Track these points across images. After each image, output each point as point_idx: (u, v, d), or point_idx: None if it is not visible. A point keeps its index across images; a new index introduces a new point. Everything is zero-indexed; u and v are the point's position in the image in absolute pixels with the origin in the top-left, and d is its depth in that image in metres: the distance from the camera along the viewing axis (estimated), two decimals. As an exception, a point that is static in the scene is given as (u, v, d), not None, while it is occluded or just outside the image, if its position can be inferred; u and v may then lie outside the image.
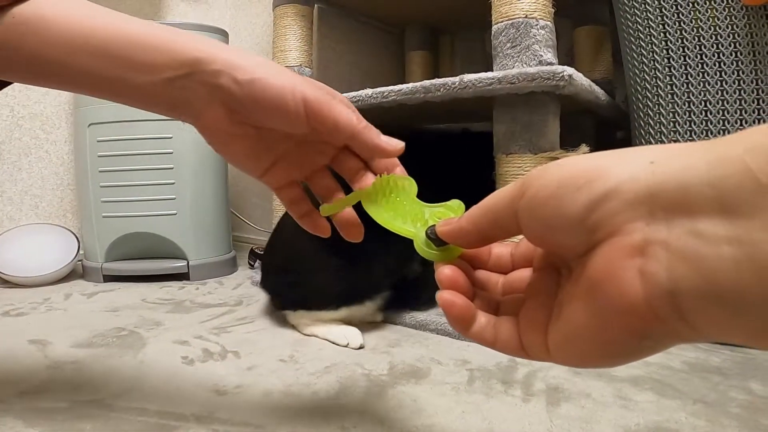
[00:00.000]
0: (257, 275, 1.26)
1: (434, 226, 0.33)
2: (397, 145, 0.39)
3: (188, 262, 1.30)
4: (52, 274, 1.27)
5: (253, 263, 1.42)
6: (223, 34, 1.34)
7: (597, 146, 1.05)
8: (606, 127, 1.15)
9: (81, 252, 1.35)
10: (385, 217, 0.38)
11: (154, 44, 0.38)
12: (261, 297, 1.13)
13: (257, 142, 0.42)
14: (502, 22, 0.83)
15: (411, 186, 0.40)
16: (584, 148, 0.76)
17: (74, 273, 1.36)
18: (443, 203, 0.36)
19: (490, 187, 0.86)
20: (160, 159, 1.24)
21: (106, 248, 1.28)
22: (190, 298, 1.14)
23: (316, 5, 1.27)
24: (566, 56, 1.31)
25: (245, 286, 1.24)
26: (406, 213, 0.38)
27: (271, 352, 0.82)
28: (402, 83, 1.62)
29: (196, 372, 0.74)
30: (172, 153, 1.25)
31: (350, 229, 0.44)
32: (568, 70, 0.71)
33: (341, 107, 0.38)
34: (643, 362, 0.76)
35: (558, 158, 0.78)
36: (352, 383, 0.70)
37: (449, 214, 0.35)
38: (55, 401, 0.65)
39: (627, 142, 1.22)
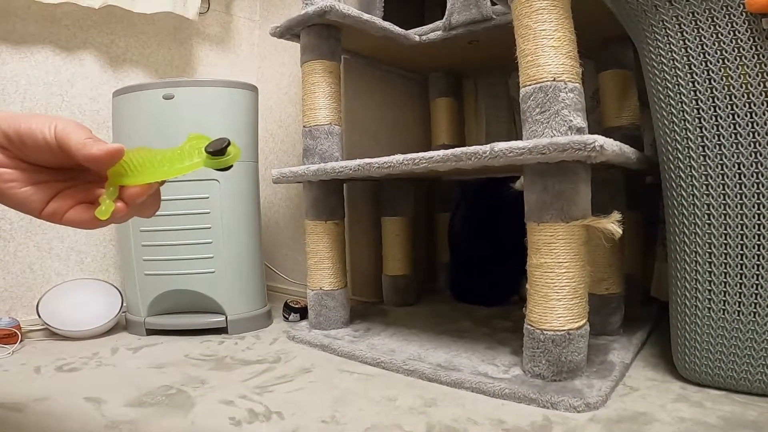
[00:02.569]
0: (292, 329, 1.29)
1: (210, 144, 0.43)
2: (106, 149, 0.42)
3: (226, 317, 1.33)
4: (99, 327, 1.32)
5: (287, 316, 1.45)
6: (253, 90, 1.39)
7: (627, 194, 1.05)
8: (635, 173, 1.15)
9: (124, 305, 1.39)
10: (164, 170, 0.44)
11: None
12: (297, 353, 1.16)
13: (31, 175, 0.45)
14: (530, 85, 0.84)
15: (145, 150, 0.45)
16: (616, 215, 0.77)
17: (118, 326, 1.40)
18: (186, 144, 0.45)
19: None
20: (198, 219, 1.28)
21: (148, 304, 1.32)
22: (230, 354, 1.17)
23: (342, 57, 1.31)
24: (592, 99, 1.32)
25: (282, 341, 1.26)
26: (170, 158, 0.44)
27: (313, 413, 0.84)
28: (427, 129, 1.66)
29: (244, 434, 0.77)
30: (209, 213, 1.29)
31: (145, 204, 0.47)
32: (599, 140, 0.72)
33: (78, 133, 0.42)
34: (678, 418, 0.76)
35: (591, 225, 0.79)
36: (392, 447, 0.72)
37: (201, 139, 0.44)
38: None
39: (656, 186, 1.22)
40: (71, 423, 0.81)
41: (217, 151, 0.43)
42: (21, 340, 1.27)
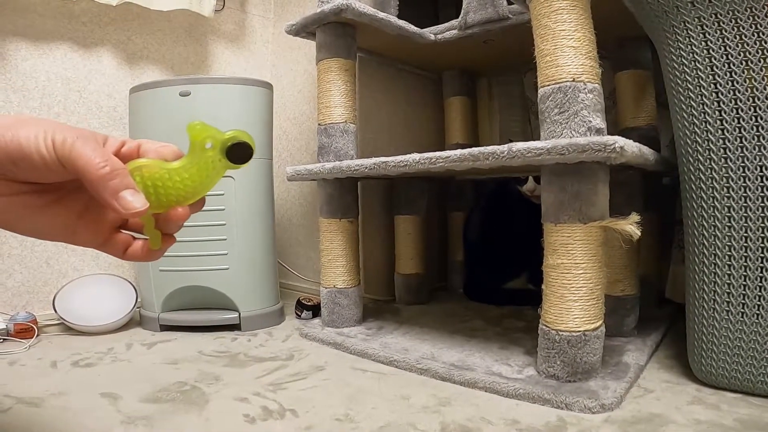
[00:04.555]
0: (305, 327, 1.30)
1: (232, 152, 0.40)
2: (132, 208, 0.36)
3: (240, 314, 1.34)
4: (114, 323, 1.33)
5: (300, 313, 1.45)
6: (269, 87, 1.39)
7: (643, 195, 1.04)
8: (652, 174, 1.14)
9: (139, 301, 1.40)
10: (194, 193, 0.41)
11: None
12: (310, 351, 1.16)
13: (38, 198, 0.39)
14: (548, 85, 0.84)
15: (157, 168, 0.40)
16: (634, 216, 0.77)
17: (132, 321, 1.42)
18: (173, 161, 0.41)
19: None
20: (212, 215, 1.29)
21: (162, 300, 1.33)
22: (243, 350, 1.17)
23: (357, 56, 1.31)
24: (608, 100, 1.30)
25: (294, 338, 1.27)
26: (192, 175, 0.40)
27: (326, 410, 0.84)
28: (441, 128, 1.66)
29: (258, 430, 0.77)
30: (224, 210, 1.29)
31: (178, 222, 0.42)
32: (620, 141, 0.71)
33: (85, 148, 0.35)
34: (693, 420, 0.76)
35: (609, 227, 0.79)
36: (407, 447, 0.72)
37: (205, 131, 0.40)
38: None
39: (673, 188, 1.21)
40: (88, 419, 0.82)
41: (243, 158, 0.40)
42: (37, 335, 1.28)
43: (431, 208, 1.59)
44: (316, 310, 1.44)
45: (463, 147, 1.63)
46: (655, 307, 1.26)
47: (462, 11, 1.30)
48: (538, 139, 0.81)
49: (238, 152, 0.39)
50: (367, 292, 1.33)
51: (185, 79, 1.28)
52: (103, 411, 0.85)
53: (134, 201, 0.36)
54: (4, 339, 1.25)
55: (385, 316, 1.38)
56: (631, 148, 0.75)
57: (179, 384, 0.97)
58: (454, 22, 1.34)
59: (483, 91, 1.73)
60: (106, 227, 0.42)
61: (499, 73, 1.68)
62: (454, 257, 1.68)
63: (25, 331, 1.27)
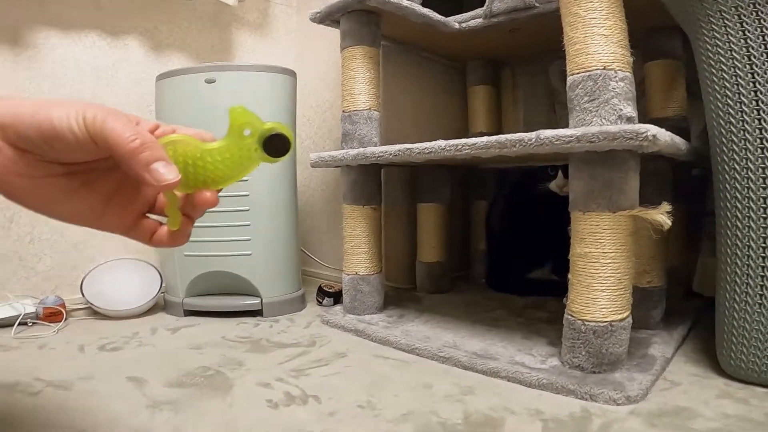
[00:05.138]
0: (327, 313, 1.30)
1: (269, 144, 0.38)
2: (164, 180, 0.35)
3: (262, 300, 1.35)
4: (139, 307, 1.35)
5: (321, 300, 1.46)
6: (292, 75, 1.39)
7: (674, 185, 1.03)
8: (681, 165, 1.12)
9: (163, 286, 1.42)
10: (225, 178, 0.40)
11: None
12: (332, 338, 1.17)
13: (70, 180, 0.38)
14: (578, 73, 0.82)
15: (192, 145, 0.39)
16: (665, 206, 0.75)
17: (156, 306, 1.44)
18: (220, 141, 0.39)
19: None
20: (237, 201, 1.30)
21: (186, 285, 1.35)
22: (266, 336, 1.19)
23: (381, 44, 1.31)
24: (637, 90, 1.28)
25: (316, 325, 1.28)
26: (226, 158, 0.39)
27: (349, 397, 0.85)
28: (464, 117, 1.65)
29: (281, 416, 0.78)
30: (248, 195, 1.30)
31: (203, 206, 0.41)
32: (652, 130, 0.70)
33: (115, 123, 0.35)
34: (722, 414, 0.75)
35: (638, 216, 0.78)
36: (429, 432, 0.72)
37: (245, 117, 0.38)
38: (161, 447, 0.70)
39: (703, 179, 1.19)
40: (115, 402, 0.83)
41: (279, 152, 0.39)
42: (65, 319, 1.31)
43: (454, 196, 1.58)
44: (337, 297, 1.44)
45: (486, 135, 1.63)
46: (682, 299, 1.25)
47: (487, 0, 1.29)
48: (563, 128, 0.80)
49: (276, 145, 0.38)
50: (388, 280, 1.33)
51: (211, 66, 1.29)
52: (130, 395, 0.86)
53: (166, 173, 0.36)
54: (33, 322, 1.28)
55: (406, 304, 1.38)
56: (663, 136, 0.74)
57: (203, 369, 0.98)
58: (479, 11, 1.32)
59: (507, 81, 1.71)
60: (134, 213, 0.42)
61: (524, 63, 1.65)
62: (476, 246, 1.67)
63: (53, 314, 1.29)
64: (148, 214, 0.44)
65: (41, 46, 1.38)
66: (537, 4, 1.20)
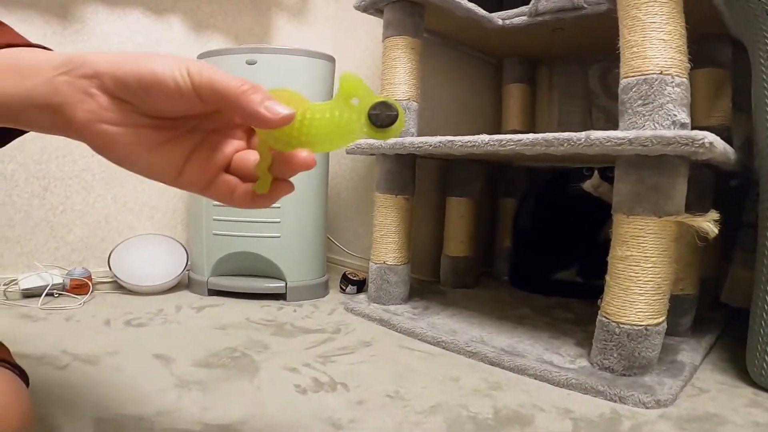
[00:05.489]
0: (351, 301, 1.31)
1: (376, 113, 0.36)
2: (280, 113, 0.35)
3: (286, 284, 1.36)
4: (164, 284, 1.36)
5: (345, 288, 1.46)
6: (331, 60, 1.39)
7: (715, 196, 1.02)
8: (722, 174, 1.11)
9: (189, 264, 1.43)
10: (330, 141, 0.37)
11: (32, 54, 0.38)
12: (356, 326, 1.17)
13: (157, 133, 0.38)
14: (633, 76, 0.82)
15: (295, 99, 0.37)
16: (713, 214, 0.75)
17: (181, 284, 1.45)
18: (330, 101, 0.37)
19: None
20: (269, 183, 1.30)
21: (213, 264, 1.36)
22: (290, 320, 1.19)
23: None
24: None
25: (340, 312, 1.28)
26: (332, 121, 0.36)
27: (377, 386, 0.85)
28: (498, 114, 1.64)
29: (310, 402, 0.79)
30: (280, 178, 1.31)
31: (298, 167, 0.38)
32: (709, 137, 0.69)
33: (221, 73, 0.35)
34: (752, 422, 0.75)
35: (684, 222, 0.77)
36: (459, 426, 0.73)
37: (356, 87, 0.36)
38: (189, 423, 0.70)
39: (740, 190, 1.18)
40: (143, 380, 0.84)
41: (384, 124, 0.36)
42: (91, 291, 1.32)
43: (483, 192, 1.57)
44: (361, 285, 1.45)
45: (519, 133, 1.62)
46: (708, 308, 1.24)
47: (533, -2, 1.28)
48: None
49: (382, 117, 0.36)
50: (412, 272, 1.33)
51: (252, 48, 1.29)
52: (157, 373, 0.87)
53: (281, 108, 0.35)
54: (59, 293, 1.29)
55: (431, 297, 1.38)
56: (719, 144, 0.73)
57: (229, 350, 0.99)
58: (524, 8, 1.31)
59: (543, 80, 1.70)
60: (214, 169, 0.41)
61: (563, 63, 1.64)
62: (502, 243, 1.67)
63: (80, 286, 1.31)
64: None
65: (88, 20, 1.39)
66: (585, 5, 1.18)
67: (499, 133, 1.64)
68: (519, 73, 1.62)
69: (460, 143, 0.97)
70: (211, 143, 0.40)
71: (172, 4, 1.52)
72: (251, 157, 0.41)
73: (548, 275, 1.45)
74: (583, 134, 0.80)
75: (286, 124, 0.35)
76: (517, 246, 1.56)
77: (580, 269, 1.42)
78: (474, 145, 0.95)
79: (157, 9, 1.50)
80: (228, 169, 0.42)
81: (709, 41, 1.13)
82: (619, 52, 0.85)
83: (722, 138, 1.12)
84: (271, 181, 0.39)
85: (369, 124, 0.36)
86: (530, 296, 1.43)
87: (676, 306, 1.05)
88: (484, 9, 1.34)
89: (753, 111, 0.86)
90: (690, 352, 0.99)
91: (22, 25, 1.29)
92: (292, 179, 0.40)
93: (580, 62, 1.56)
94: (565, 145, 0.81)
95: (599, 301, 0.91)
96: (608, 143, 0.77)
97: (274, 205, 1.23)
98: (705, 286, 1.18)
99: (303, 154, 0.37)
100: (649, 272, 0.82)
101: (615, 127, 0.83)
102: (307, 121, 0.37)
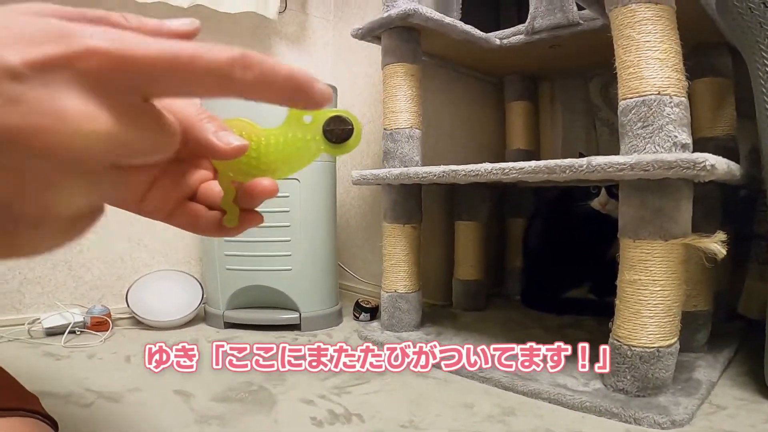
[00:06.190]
0: (364, 329, 1.31)
1: (330, 129, 0.34)
2: (231, 143, 0.33)
3: (300, 314, 1.37)
4: (181, 318, 1.38)
5: (358, 315, 1.47)
6: (333, 90, 1.41)
7: (724, 208, 1.01)
8: (730, 187, 1.10)
9: (204, 298, 1.45)
10: (288, 165, 0.35)
11: None
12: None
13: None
14: (631, 98, 0.82)
15: (248, 127, 0.35)
16: (720, 235, 0.74)
17: (197, 317, 1.46)
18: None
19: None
20: (278, 217, 1.32)
21: (227, 297, 1.38)
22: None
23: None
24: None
25: (354, 341, 1.29)
26: (286, 145, 0.35)
27: (391, 415, 0.86)
28: (501, 132, 1.64)
29: (326, 434, 0.79)
30: (288, 211, 1.32)
31: (262, 196, 0.37)
32: (710, 159, 0.69)
33: (181, 101, 0.32)
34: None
35: (691, 244, 0.77)
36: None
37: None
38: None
39: (750, 201, 1.17)
40: (165, 416, 0.85)
41: (340, 139, 0.35)
42: (111, 328, 1.34)
43: (491, 214, 1.58)
44: (374, 312, 1.45)
45: (524, 152, 1.63)
46: (726, 322, 1.22)
47: (529, 16, 1.29)
48: (604, 145, 0.80)
49: (337, 132, 0.35)
50: (424, 297, 1.33)
51: (253, 82, 1.31)
52: (178, 408, 0.88)
53: (234, 139, 0.33)
54: (81, 331, 1.32)
55: (443, 321, 1.38)
56: (721, 165, 0.73)
57: (246, 384, 0.99)
58: (520, 27, 1.32)
59: (545, 95, 1.70)
60: (177, 198, 0.38)
61: (563, 78, 1.64)
62: (512, 263, 1.67)
63: (100, 324, 1.33)
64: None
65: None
66: (581, 21, 1.19)
67: (504, 152, 1.66)
68: (520, 91, 1.63)
69: (463, 172, 0.98)
70: (174, 172, 0.38)
71: (174, 39, 1.55)
72: (217, 187, 0.39)
73: (560, 294, 1.45)
74: (584, 161, 0.80)
75: (239, 155, 0.34)
76: (527, 265, 1.56)
77: (592, 286, 1.41)
78: (477, 174, 0.95)
79: (160, 47, 1.52)
80: (194, 198, 0.42)
81: (707, 50, 1.13)
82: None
83: (728, 148, 1.13)
84: (238, 213, 0.37)
85: (325, 141, 0.35)
86: (542, 315, 1.42)
87: (689, 323, 1.04)
88: (481, 27, 1.35)
89: (757, 120, 0.86)
90: (707, 369, 0.97)
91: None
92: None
93: (581, 76, 1.56)
94: (567, 171, 0.81)
95: (610, 324, 0.91)
96: (610, 169, 0.77)
97: (284, 238, 1.22)
98: (719, 300, 1.16)
99: (264, 182, 0.36)
100: (658, 295, 0.81)
101: (619, 140, 0.83)
102: (263, 148, 0.36)
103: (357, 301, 1.49)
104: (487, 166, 0.93)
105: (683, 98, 0.79)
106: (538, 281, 1.50)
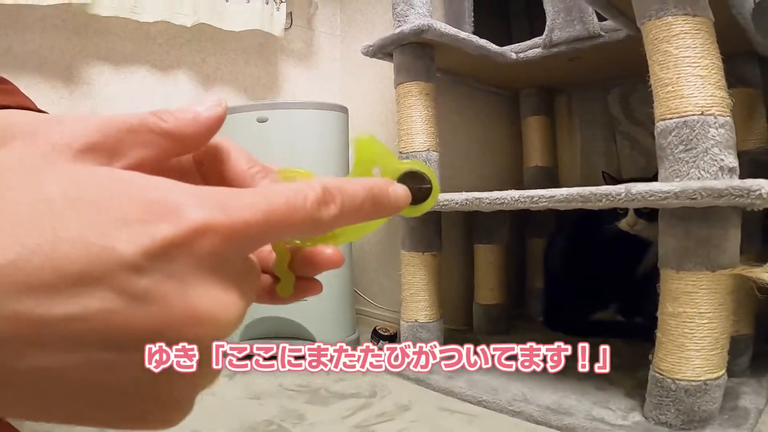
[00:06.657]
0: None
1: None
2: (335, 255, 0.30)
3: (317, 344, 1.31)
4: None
5: (376, 344, 1.41)
6: (343, 111, 1.36)
7: (764, 237, 0.96)
8: None
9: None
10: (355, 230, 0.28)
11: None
12: (392, 387, 1.12)
13: None
14: (670, 119, 0.76)
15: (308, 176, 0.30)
16: (775, 266, 0.69)
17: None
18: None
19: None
20: (291, 244, 1.27)
21: (242, 329, 1.33)
22: (324, 385, 1.15)
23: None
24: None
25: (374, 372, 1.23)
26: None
27: (420, 458, 0.80)
28: (518, 148, 1.59)
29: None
30: (302, 238, 1.27)
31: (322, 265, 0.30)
32: (766, 187, 0.64)
33: (236, 152, 0.29)
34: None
35: (741, 274, 0.72)
36: None
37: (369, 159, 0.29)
38: None
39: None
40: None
41: (418, 200, 0.28)
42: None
43: (511, 234, 1.52)
44: (392, 340, 1.40)
45: (542, 169, 1.57)
46: (766, 342, 1.17)
47: (546, 28, 1.23)
48: (625, 159, 0.75)
49: (413, 190, 0.28)
50: (444, 322, 1.28)
51: (262, 105, 1.28)
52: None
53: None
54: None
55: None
56: (775, 192, 0.67)
57: (266, 423, 0.95)
58: (537, 40, 1.27)
59: (562, 108, 1.64)
60: None
61: (581, 90, 1.59)
62: (533, 284, 1.61)
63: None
64: None
65: (95, 82, 1.39)
66: (603, 33, 1.14)
67: (522, 169, 1.60)
68: (536, 105, 1.57)
69: (488, 200, 0.93)
70: None
71: (176, 58, 1.52)
72: (268, 248, 0.35)
73: (585, 315, 1.39)
74: (622, 188, 0.74)
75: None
76: (549, 287, 1.50)
77: (620, 307, 1.35)
78: (503, 203, 0.90)
79: (162, 66, 1.49)
80: None
81: (735, 60, 1.07)
82: (642, 76, 0.81)
83: (760, 161, 1.07)
84: (294, 281, 0.32)
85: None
86: (568, 339, 1.36)
87: (732, 348, 0.98)
88: (492, 39, 1.30)
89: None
90: (752, 395, 0.92)
91: (29, 90, 1.29)
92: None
93: (600, 88, 1.51)
94: (604, 200, 0.76)
95: (650, 355, 0.85)
96: (651, 197, 0.71)
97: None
98: (761, 320, 1.11)
99: (327, 251, 0.30)
100: (705, 328, 0.76)
101: (641, 154, 0.79)
102: None
103: (374, 329, 1.44)
104: (514, 193, 0.88)
105: (728, 117, 0.74)
106: (561, 303, 1.44)
